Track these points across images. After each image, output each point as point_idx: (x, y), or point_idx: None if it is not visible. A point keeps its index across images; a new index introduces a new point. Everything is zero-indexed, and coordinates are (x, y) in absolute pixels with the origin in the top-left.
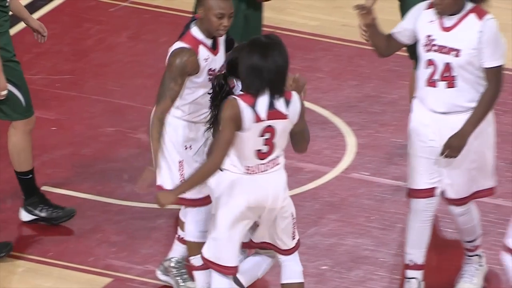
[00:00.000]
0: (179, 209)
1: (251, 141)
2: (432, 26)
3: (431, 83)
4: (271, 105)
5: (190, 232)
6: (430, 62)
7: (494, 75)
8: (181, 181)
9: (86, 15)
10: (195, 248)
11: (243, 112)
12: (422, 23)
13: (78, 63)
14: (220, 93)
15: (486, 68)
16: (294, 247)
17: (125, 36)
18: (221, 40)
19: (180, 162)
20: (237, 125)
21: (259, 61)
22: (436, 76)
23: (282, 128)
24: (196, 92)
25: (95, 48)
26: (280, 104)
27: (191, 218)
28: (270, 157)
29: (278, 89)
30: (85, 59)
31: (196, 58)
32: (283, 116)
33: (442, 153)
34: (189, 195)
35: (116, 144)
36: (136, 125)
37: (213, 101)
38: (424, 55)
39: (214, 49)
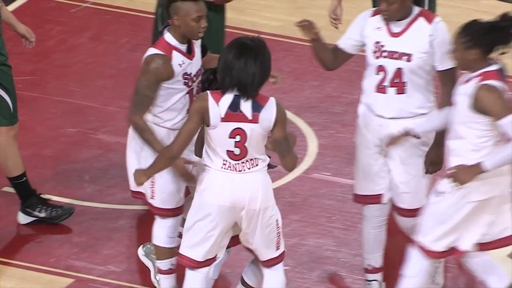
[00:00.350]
0: (142, 210)
1: (220, 140)
2: (380, 32)
3: (381, 89)
4: (237, 107)
5: (158, 237)
6: (381, 68)
7: (449, 77)
8: (151, 187)
9: (47, 16)
10: (162, 253)
11: (211, 108)
12: (369, 31)
13: (40, 64)
14: (209, 88)
15: (440, 71)
16: (278, 257)
17: (86, 37)
18: (197, 45)
19: None
20: (204, 118)
21: (232, 59)
22: (386, 82)
23: (252, 132)
24: (171, 98)
25: (57, 49)
26: (246, 107)
27: (160, 223)
28: (244, 159)
29: (247, 91)
30: (46, 60)
31: (170, 64)
32: (247, 120)
33: (426, 171)
34: (158, 204)
35: (77, 144)
36: (97, 126)
37: None
38: (373, 62)
39: (189, 54)
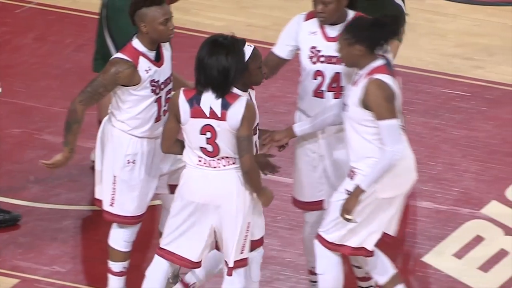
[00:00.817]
0: (86, 210)
1: (192, 136)
2: (315, 37)
3: (319, 93)
4: (206, 104)
5: (115, 239)
6: (318, 73)
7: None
8: (111, 194)
9: None
10: (116, 255)
11: (181, 104)
12: (303, 35)
13: None
14: None
15: None
16: (241, 261)
17: (31, 38)
18: (167, 53)
19: (114, 177)
20: (176, 115)
21: (204, 57)
22: (324, 87)
23: (221, 130)
24: (138, 105)
25: (1, 49)
26: (215, 104)
27: (119, 227)
28: (219, 155)
29: (218, 88)
30: None
31: (135, 70)
32: (215, 117)
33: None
34: (118, 211)
35: (22, 145)
36: (42, 126)
37: None
38: (310, 67)
39: (157, 61)
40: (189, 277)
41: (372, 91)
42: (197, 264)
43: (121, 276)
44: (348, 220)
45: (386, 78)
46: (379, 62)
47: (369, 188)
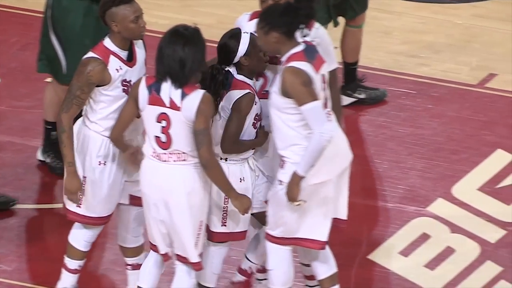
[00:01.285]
0: (31, 209)
1: (148, 124)
2: None
3: (263, 94)
4: (163, 92)
5: (75, 237)
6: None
7: (334, 78)
8: (79, 195)
9: None
10: (74, 253)
11: (141, 91)
12: None
13: None
14: (210, 84)
15: (328, 72)
16: (194, 263)
17: None
18: (140, 53)
19: (84, 177)
20: (136, 100)
21: (163, 46)
22: (268, 87)
23: (177, 120)
24: (110, 106)
25: None
26: (172, 93)
27: (82, 226)
28: (171, 149)
29: (175, 78)
30: None
31: (105, 68)
32: (170, 105)
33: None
34: (84, 212)
35: None
36: None
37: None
38: None
39: (129, 60)
40: (245, 264)
41: (288, 79)
42: (165, 256)
43: (75, 273)
44: (298, 205)
45: (300, 64)
46: (297, 49)
47: (306, 173)
